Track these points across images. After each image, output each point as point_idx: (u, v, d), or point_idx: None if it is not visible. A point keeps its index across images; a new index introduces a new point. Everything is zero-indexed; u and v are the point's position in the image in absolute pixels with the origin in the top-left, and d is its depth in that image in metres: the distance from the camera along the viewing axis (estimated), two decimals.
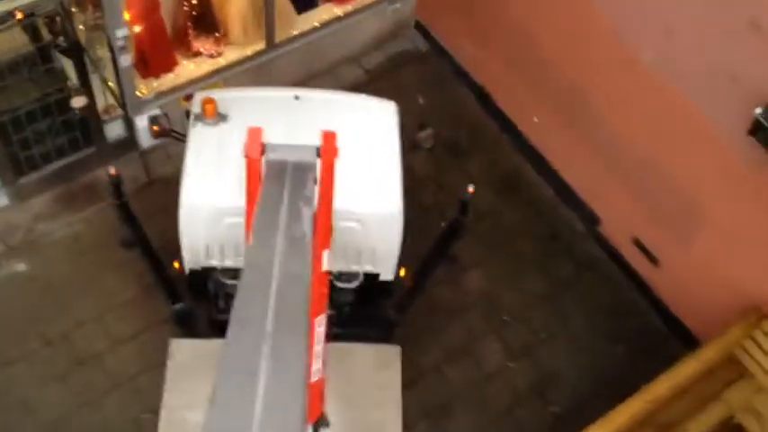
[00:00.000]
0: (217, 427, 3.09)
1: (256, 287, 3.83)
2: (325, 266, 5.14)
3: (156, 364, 6.77)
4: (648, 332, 7.75)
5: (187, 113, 6.15)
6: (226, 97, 6.06)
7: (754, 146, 5.74)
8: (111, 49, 6.87)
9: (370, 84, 8.81)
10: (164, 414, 6.33)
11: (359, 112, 6.20)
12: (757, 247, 6.43)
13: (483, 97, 8.72)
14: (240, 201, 4.96)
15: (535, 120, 8.15)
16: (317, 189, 4.79)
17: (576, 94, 7.45)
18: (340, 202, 5.24)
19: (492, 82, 8.58)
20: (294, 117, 5.92)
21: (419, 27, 9.18)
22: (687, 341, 7.38)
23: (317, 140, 4.81)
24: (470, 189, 6.55)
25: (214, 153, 5.79)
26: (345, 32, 8.60)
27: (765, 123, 5.51)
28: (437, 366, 7.40)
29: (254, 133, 4.77)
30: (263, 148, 4.76)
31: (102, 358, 7.09)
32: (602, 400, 6.47)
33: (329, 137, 4.84)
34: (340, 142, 4.86)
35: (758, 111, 5.54)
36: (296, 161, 4.80)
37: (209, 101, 5.86)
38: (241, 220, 5.06)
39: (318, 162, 4.82)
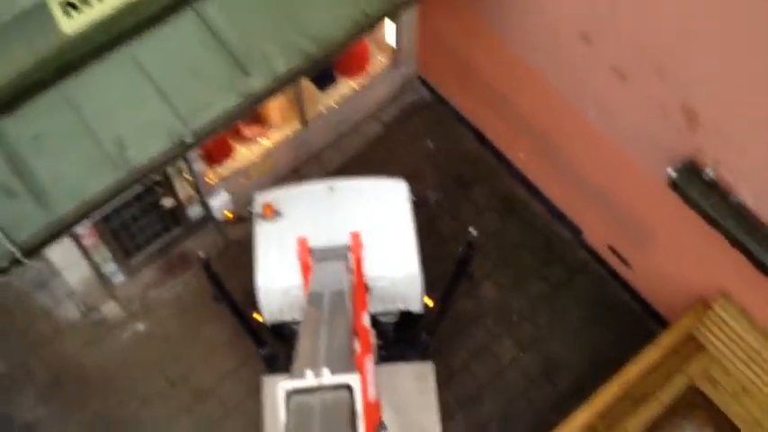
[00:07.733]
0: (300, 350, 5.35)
1: (315, 313, 5.96)
2: (366, 323, 7.20)
3: (255, 389, 8.74)
4: (632, 318, 9.53)
5: (250, 213, 8.08)
6: (278, 196, 8.01)
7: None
8: (185, 159, 8.88)
9: (387, 134, 10.73)
10: None
11: (379, 194, 8.02)
12: (693, 259, 8.15)
13: (480, 137, 10.45)
14: (299, 279, 7.05)
15: (521, 156, 9.92)
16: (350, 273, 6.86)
17: (546, 138, 9.14)
18: (373, 269, 7.30)
19: (484, 125, 10.30)
20: (331, 205, 7.86)
21: (423, 81, 10.92)
22: (662, 322, 9.15)
23: (348, 237, 6.92)
24: (473, 232, 8.02)
25: (276, 243, 7.73)
26: (362, 97, 10.47)
27: (678, 182, 7.05)
28: (465, 364, 9.36)
29: (303, 243, 6.88)
30: (311, 252, 6.89)
31: (215, 390, 9.22)
32: (598, 376, 8.22)
33: (356, 236, 6.92)
34: (368, 222, 7.18)
35: (670, 170, 7.09)
36: (334, 255, 6.92)
37: (268, 205, 7.83)
38: (302, 291, 7.14)
39: (350, 255, 6.92)
